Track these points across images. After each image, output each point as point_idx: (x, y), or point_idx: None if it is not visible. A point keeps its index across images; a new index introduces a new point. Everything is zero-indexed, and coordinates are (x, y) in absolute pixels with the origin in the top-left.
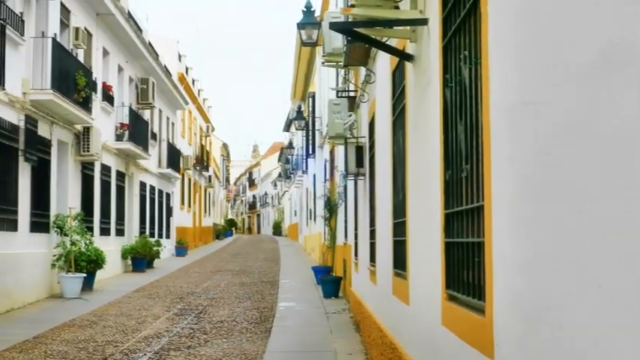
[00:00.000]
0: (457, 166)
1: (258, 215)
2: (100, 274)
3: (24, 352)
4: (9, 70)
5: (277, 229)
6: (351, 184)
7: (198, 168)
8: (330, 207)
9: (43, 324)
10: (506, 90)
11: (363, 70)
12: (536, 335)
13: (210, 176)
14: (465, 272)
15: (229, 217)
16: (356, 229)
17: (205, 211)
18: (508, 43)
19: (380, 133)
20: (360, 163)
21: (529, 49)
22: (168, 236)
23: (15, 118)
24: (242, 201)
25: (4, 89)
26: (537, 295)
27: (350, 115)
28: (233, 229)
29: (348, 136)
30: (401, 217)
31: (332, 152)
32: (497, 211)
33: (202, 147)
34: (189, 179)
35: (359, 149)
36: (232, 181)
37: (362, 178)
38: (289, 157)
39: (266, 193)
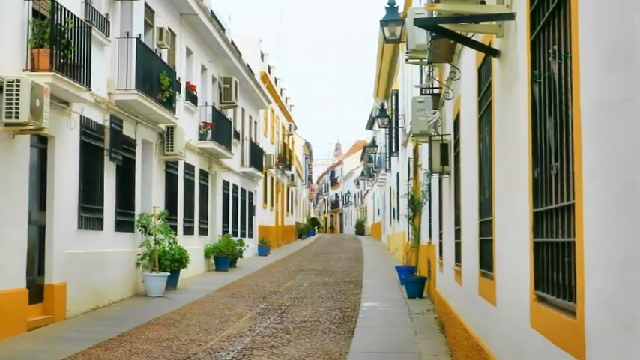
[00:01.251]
0: (546, 164)
1: (341, 214)
2: (183, 273)
3: (109, 350)
4: (95, 71)
5: (360, 228)
6: (435, 182)
7: (280, 167)
8: (414, 206)
9: (127, 322)
10: (600, 86)
11: (447, 67)
12: (633, 338)
13: (292, 175)
14: (555, 273)
15: (311, 216)
16: (440, 228)
17: (287, 210)
18: (600, 37)
19: (465, 130)
20: (444, 161)
21: (623, 43)
22: (250, 235)
23: (101, 118)
24: (324, 200)
25: (90, 90)
26: (634, 296)
27: (434, 113)
28: (315, 228)
29: (433, 133)
30: (487, 216)
31: (416, 150)
32: (590, 210)
33: (285, 146)
34: (272, 178)
35: (443, 147)
36: (315, 179)
37: (447, 176)
38: (372, 155)
39: (349, 192)
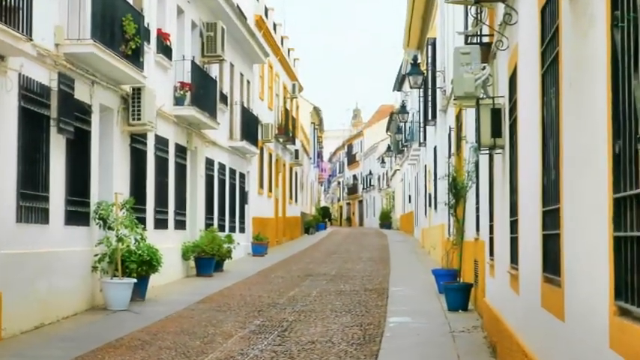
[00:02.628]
0: (631, 135)
1: (360, 202)
2: (154, 280)
3: None
4: (38, 17)
5: (386, 220)
6: (484, 159)
7: (281, 140)
8: (457, 191)
9: (81, 344)
10: None
11: (500, 8)
12: None
13: (297, 151)
14: None
15: (322, 204)
16: (491, 219)
17: (291, 197)
18: None
19: (524, 91)
20: (496, 131)
21: None
22: (242, 230)
23: (46, 77)
24: (339, 183)
25: (31, 40)
26: None
27: (483, 68)
28: (327, 220)
29: (481, 95)
30: (553, 204)
31: (459, 118)
32: None
33: (287, 112)
34: (270, 155)
35: (495, 113)
36: (326, 157)
37: (499, 151)
38: (401, 124)
39: (370, 173)
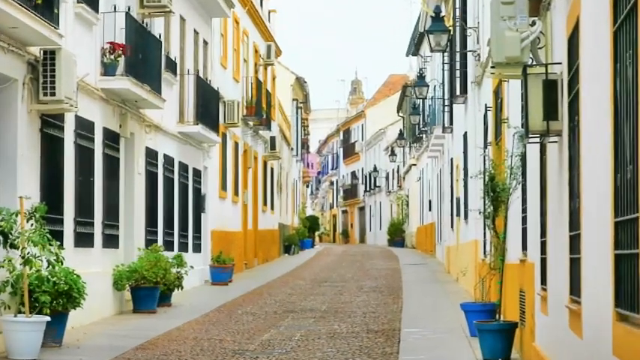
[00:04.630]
0: None
1: (362, 209)
2: (76, 317)
3: None
4: None
5: (396, 235)
6: (534, 151)
7: (252, 124)
8: (495, 194)
9: None
10: None
11: None
12: None
13: (273, 139)
14: None
15: (309, 212)
16: (543, 234)
17: (265, 203)
18: None
19: (589, 55)
20: (551, 112)
21: None
22: (197, 248)
23: None
24: (332, 183)
25: None
26: None
27: (533, 24)
28: (316, 234)
29: (530, 62)
30: (630, 212)
31: (498, 93)
32: None
33: (259, 85)
34: (236, 144)
35: (549, 87)
36: (314, 147)
37: (555, 139)
38: (419, 102)
39: (375, 169)
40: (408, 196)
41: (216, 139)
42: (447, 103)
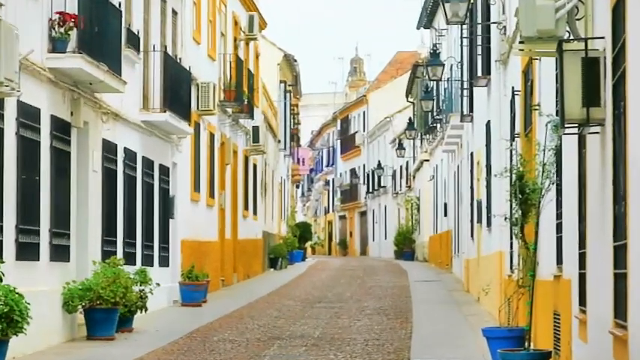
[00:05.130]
0: None
1: (363, 214)
2: (18, 345)
3: None
4: None
5: (405, 245)
6: (571, 144)
7: (231, 111)
8: (525, 196)
9: None
10: None
11: None
12: None
13: (256, 129)
14: None
15: (299, 218)
16: (582, 245)
17: (247, 208)
18: None
19: (638, 28)
20: (592, 96)
21: None
22: (165, 262)
23: None
24: (327, 183)
25: None
26: None
27: None
28: (308, 245)
29: (566, 36)
30: None
31: (528, 74)
32: None
33: (239, 64)
34: (212, 136)
35: (590, 66)
36: (305, 139)
37: (596, 130)
38: (431, 84)
39: (380, 166)
40: (418, 199)
41: (187, 130)
42: (466, 85)
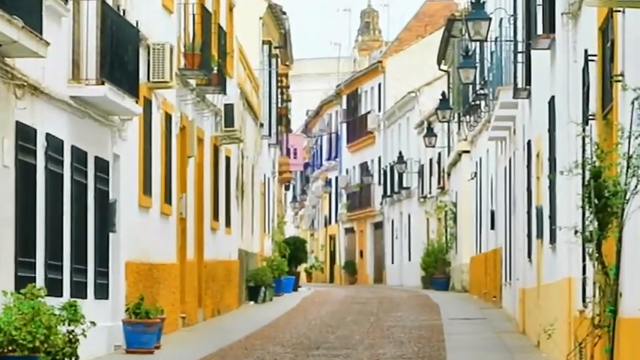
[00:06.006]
0: None
1: (378, 226)
2: None
3: None
4: None
5: (436, 269)
6: None
7: (194, 83)
8: (603, 202)
9: None
10: None
11: None
12: None
13: (230, 108)
14: None
15: (289, 232)
16: None
17: (216, 217)
18: None
19: None
20: None
21: None
22: (102, 292)
23: None
24: (328, 183)
25: None
26: None
27: None
28: (302, 268)
29: None
30: None
31: (605, 32)
32: None
33: (206, 18)
34: (168, 117)
35: None
36: (298, 122)
37: None
38: (473, 46)
39: (401, 160)
40: (455, 205)
41: (134, 110)
42: (521, 48)
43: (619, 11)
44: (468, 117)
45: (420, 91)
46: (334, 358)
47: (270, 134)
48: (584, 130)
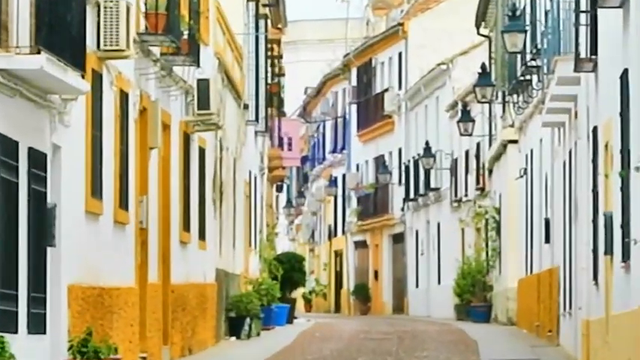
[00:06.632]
0: None
1: (398, 238)
2: None
3: None
4: None
5: (474, 295)
6: None
7: (157, 52)
8: None
9: None
10: None
11: None
12: None
13: (204, 85)
14: None
15: (282, 247)
16: None
17: (187, 227)
18: None
19: None
20: None
21: None
22: (38, 325)
23: None
24: (333, 182)
25: None
26: None
27: None
28: (298, 293)
29: None
30: None
31: None
32: None
33: None
34: (124, 96)
35: None
36: (294, 102)
37: None
38: (521, 2)
39: (428, 152)
40: (499, 212)
41: (79, 87)
42: (584, 7)
43: None
44: (515, 96)
45: (452, 62)
46: None
47: (257, 119)
48: None
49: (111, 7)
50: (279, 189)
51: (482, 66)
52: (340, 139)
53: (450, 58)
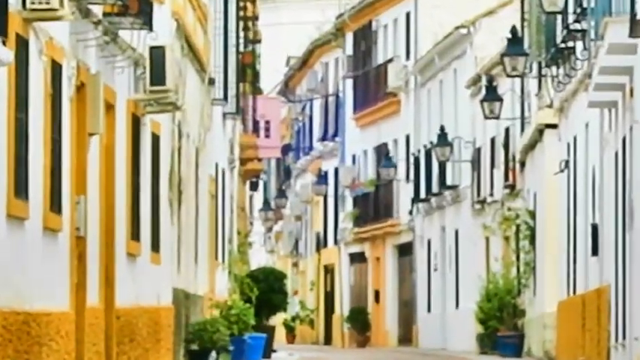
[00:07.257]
0: None
1: (405, 250)
2: None
3: None
4: None
5: (502, 322)
6: None
7: (99, 12)
8: None
9: None
10: None
11: None
12: None
13: (158, 54)
14: None
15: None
16: None
17: (136, 236)
18: None
19: None
20: None
21: None
22: None
23: None
24: (321, 179)
25: None
26: None
27: None
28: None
29: None
30: None
31: None
32: None
33: None
34: (56, 67)
35: None
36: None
37: None
38: None
39: (444, 140)
40: (533, 216)
41: (1, 56)
42: None
43: None
44: (554, 69)
45: (474, 25)
46: None
47: (225, 97)
48: None
49: None
50: (254, 187)
51: (513, 30)
52: (332, 123)
53: (471, 19)
